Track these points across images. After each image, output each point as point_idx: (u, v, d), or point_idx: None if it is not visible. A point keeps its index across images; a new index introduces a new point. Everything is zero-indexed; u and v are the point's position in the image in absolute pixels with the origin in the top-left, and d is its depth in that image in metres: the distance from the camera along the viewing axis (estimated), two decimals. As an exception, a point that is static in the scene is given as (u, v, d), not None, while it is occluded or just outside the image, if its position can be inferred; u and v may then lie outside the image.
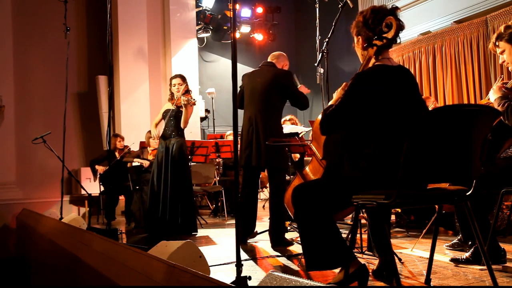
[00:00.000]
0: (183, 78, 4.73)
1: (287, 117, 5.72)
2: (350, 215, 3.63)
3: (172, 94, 4.74)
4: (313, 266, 2.10)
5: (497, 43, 2.72)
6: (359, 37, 2.23)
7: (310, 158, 3.31)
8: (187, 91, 4.68)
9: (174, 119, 4.66)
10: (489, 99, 2.78)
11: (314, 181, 2.40)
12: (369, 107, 2.07)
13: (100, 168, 6.26)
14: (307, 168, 3.06)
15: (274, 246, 3.60)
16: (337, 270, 2.21)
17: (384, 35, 2.11)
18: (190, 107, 4.58)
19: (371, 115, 2.09)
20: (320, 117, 2.64)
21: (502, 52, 2.71)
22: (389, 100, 2.07)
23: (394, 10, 2.14)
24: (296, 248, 3.47)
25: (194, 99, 4.58)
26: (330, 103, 2.31)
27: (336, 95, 2.38)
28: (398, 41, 2.19)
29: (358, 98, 2.08)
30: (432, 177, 1.95)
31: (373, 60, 2.19)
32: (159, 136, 4.75)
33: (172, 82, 4.72)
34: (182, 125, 4.64)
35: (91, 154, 8.04)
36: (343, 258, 2.03)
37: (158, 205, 4.51)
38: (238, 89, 4.05)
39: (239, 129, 3.36)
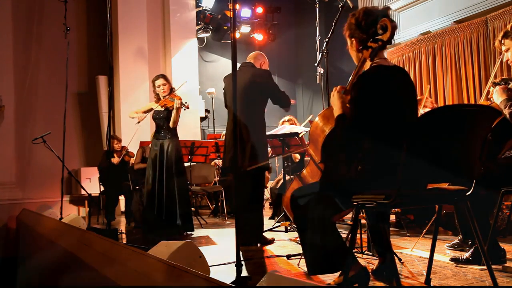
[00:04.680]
0: (165, 78, 4.74)
1: (286, 118, 5.70)
2: (350, 214, 3.63)
3: (157, 95, 4.73)
4: (314, 271, 2.11)
5: (502, 41, 2.76)
6: (352, 39, 2.22)
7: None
8: (171, 90, 4.70)
9: (165, 120, 4.66)
10: (489, 100, 2.79)
11: (312, 184, 2.39)
12: (373, 109, 2.07)
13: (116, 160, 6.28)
14: (304, 171, 3.03)
15: (249, 244, 3.61)
16: (337, 273, 2.22)
17: (379, 37, 2.10)
18: (180, 109, 4.60)
19: (373, 116, 2.08)
20: (317, 119, 2.60)
21: (507, 50, 2.75)
22: (389, 101, 2.07)
23: (386, 11, 2.14)
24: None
25: (186, 103, 4.59)
26: (336, 113, 2.14)
27: (335, 101, 2.19)
28: (397, 41, 2.18)
29: (368, 102, 2.06)
30: (431, 177, 1.94)
31: (368, 62, 2.19)
32: (141, 118, 4.71)
33: (155, 84, 4.71)
34: (171, 125, 4.64)
35: (91, 154, 8.05)
36: (344, 261, 2.04)
37: (154, 204, 4.52)
38: (222, 91, 4.12)
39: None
